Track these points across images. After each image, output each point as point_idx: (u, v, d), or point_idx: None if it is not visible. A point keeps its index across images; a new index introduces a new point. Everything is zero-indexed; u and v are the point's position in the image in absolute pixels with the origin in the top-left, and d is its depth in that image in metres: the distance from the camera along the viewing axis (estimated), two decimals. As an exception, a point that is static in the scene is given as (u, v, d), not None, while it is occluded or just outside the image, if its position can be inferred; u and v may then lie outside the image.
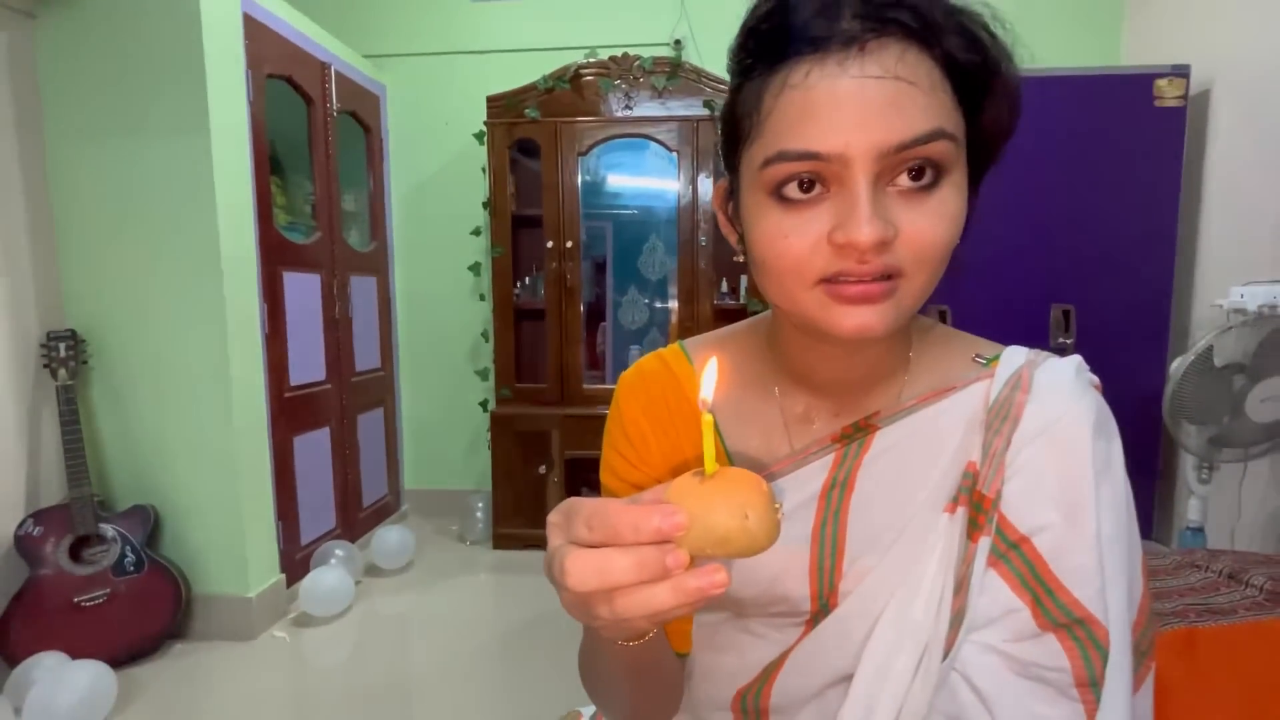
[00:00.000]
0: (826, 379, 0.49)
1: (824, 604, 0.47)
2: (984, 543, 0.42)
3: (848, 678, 0.45)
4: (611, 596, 0.30)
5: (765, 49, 0.40)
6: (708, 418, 0.32)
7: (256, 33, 1.91)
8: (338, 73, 2.35)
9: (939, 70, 0.38)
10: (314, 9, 2.39)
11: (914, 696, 0.41)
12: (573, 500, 0.33)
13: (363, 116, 2.55)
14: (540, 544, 2.47)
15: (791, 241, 0.39)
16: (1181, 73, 1.98)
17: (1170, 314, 2.04)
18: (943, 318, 2.05)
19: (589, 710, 0.62)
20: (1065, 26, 2.47)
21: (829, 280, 0.39)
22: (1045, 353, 0.48)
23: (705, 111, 2.36)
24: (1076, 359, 0.47)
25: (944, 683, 0.42)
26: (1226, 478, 1.86)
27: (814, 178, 0.39)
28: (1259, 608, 0.99)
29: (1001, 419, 0.44)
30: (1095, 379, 0.47)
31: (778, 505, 0.31)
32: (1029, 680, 0.40)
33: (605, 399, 2.47)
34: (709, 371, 0.34)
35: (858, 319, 0.39)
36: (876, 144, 0.36)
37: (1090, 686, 0.39)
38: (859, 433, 0.47)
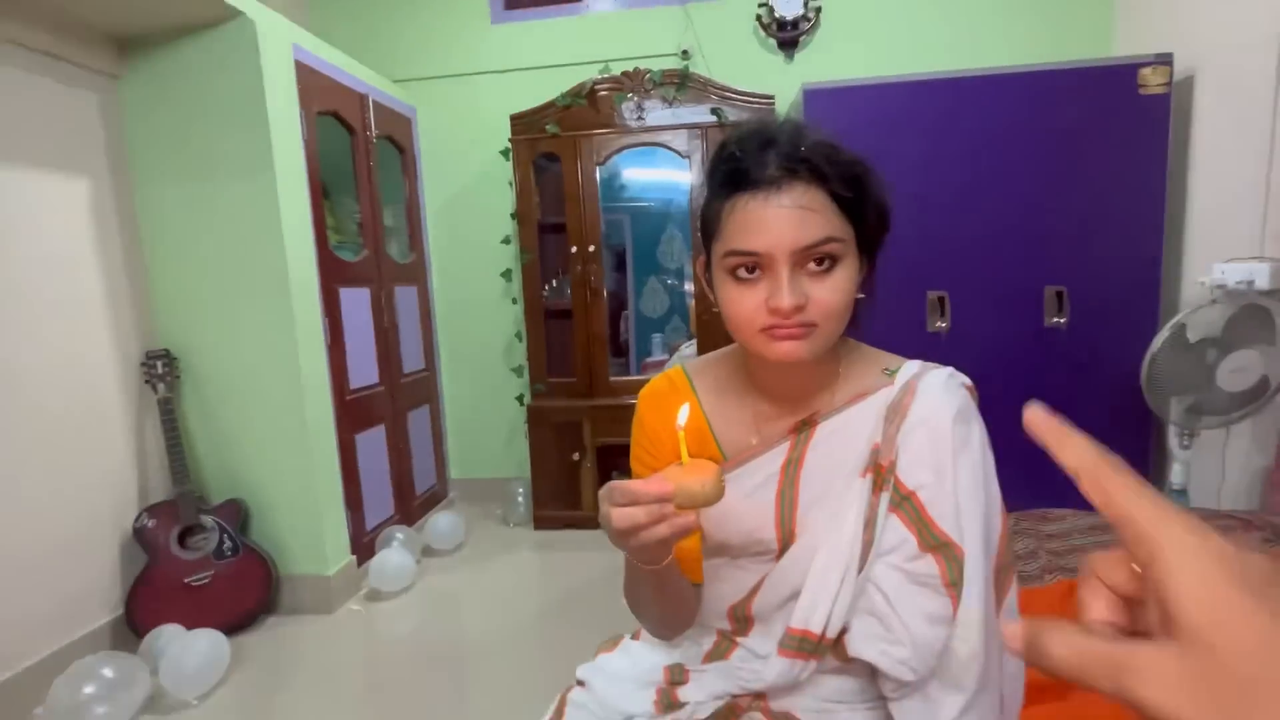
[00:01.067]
0: (781, 389, 0.70)
1: (786, 543, 0.67)
2: (884, 496, 0.63)
3: (800, 592, 0.66)
4: (636, 532, 0.52)
5: (723, 181, 0.62)
6: (681, 434, 0.55)
7: (306, 75, 2.14)
8: (374, 101, 2.57)
9: (830, 198, 0.59)
10: (344, 39, 2.61)
11: (842, 599, 0.62)
12: (613, 482, 0.55)
13: (397, 139, 2.77)
14: (577, 524, 2.71)
15: (743, 305, 0.61)
16: (1165, 61, 2.08)
17: (1159, 292, 2.16)
18: (941, 304, 2.20)
19: (629, 633, 0.85)
20: (1057, 20, 2.57)
21: (767, 329, 0.60)
22: (930, 365, 0.67)
23: (713, 118, 2.53)
24: (948, 370, 0.66)
25: (862, 590, 0.62)
26: (1210, 442, 1.99)
27: (755, 264, 0.60)
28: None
29: (895, 413, 0.64)
30: (967, 381, 0.66)
31: (722, 478, 0.53)
32: (917, 585, 0.60)
33: (630, 390, 2.68)
34: (683, 410, 0.57)
35: (786, 350, 0.60)
36: (790, 245, 0.58)
37: (953, 585, 0.59)
38: (805, 427, 0.68)
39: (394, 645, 2.01)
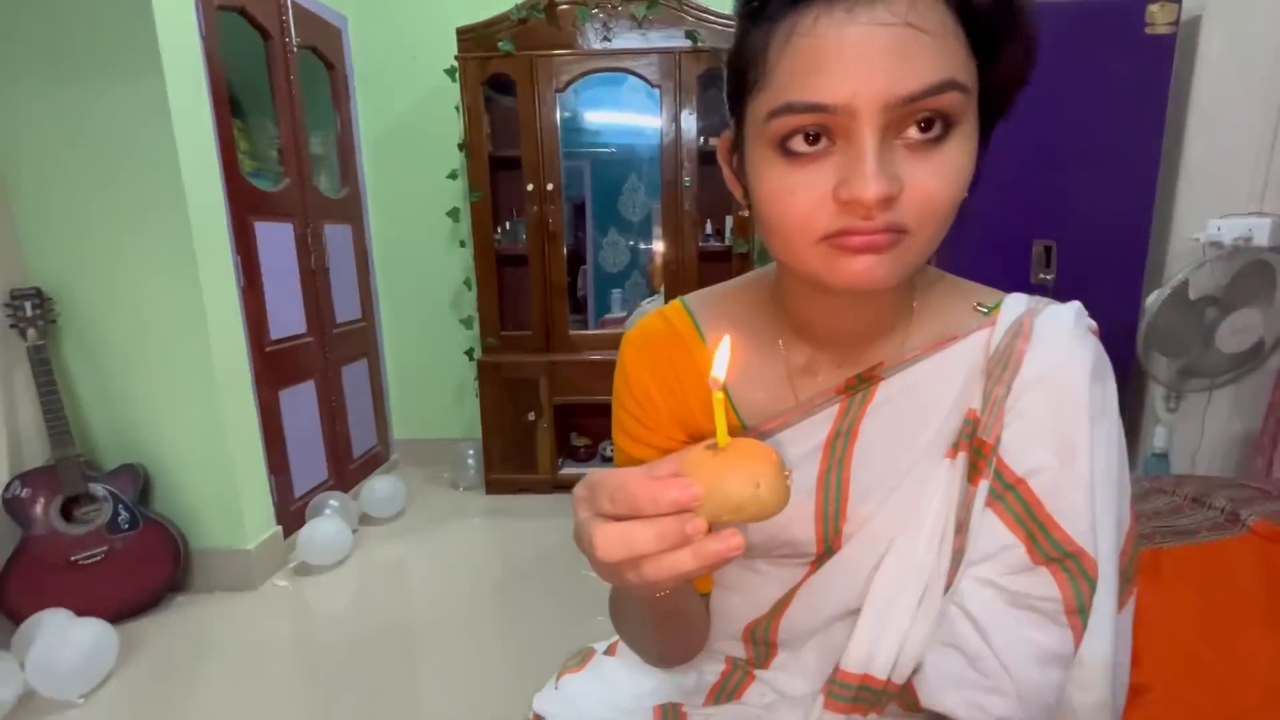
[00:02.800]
0: (830, 331, 0.49)
1: (828, 546, 0.49)
2: (983, 485, 0.44)
3: (851, 613, 0.47)
4: (638, 563, 0.32)
5: None
6: (719, 395, 0.33)
7: (203, -41, 1.76)
8: (294, 3, 2.19)
9: (953, 16, 0.37)
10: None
11: (916, 628, 0.44)
12: (596, 475, 0.34)
13: (324, 52, 2.40)
14: (532, 488, 2.52)
15: (797, 198, 0.39)
16: (1174, -3, 1.93)
17: (1147, 248, 2.07)
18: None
19: (602, 645, 0.65)
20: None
21: (833, 237, 0.39)
22: (1045, 300, 0.48)
23: (687, 43, 2.26)
24: (1076, 305, 0.47)
25: (944, 615, 0.44)
26: (1190, 406, 1.94)
27: (820, 130, 0.38)
28: (1219, 528, 1.05)
29: (1003, 367, 0.45)
30: (1093, 324, 0.48)
31: (787, 473, 0.32)
32: (1021, 610, 0.42)
33: (590, 345, 2.47)
34: (721, 351, 0.34)
35: (862, 268, 0.39)
36: (884, 95, 0.35)
37: (1079, 614, 0.41)
38: (863, 384, 0.48)
39: (326, 624, 1.80)
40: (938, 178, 0.38)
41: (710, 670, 0.57)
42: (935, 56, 0.36)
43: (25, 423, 1.73)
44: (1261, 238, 1.72)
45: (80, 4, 1.59)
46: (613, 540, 0.32)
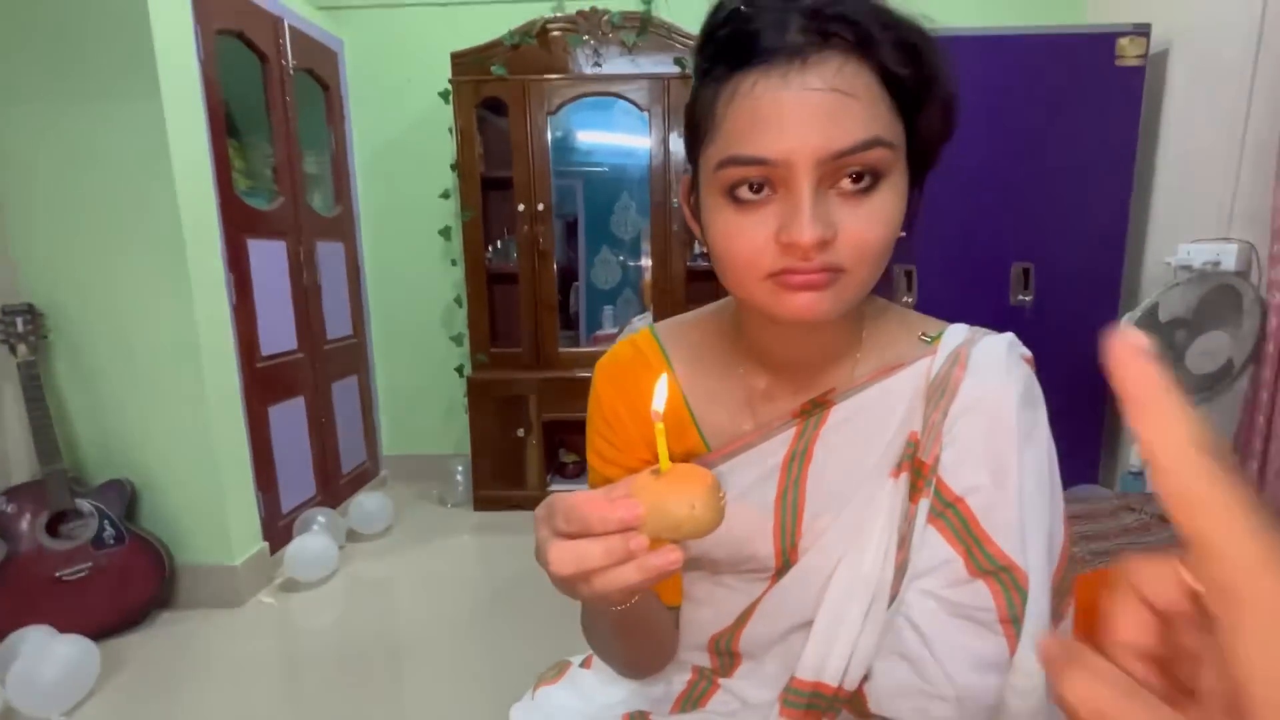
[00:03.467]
0: (785, 359, 0.53)
1: (786, 560, 0.52)
2: (923, 504, 0.47)
3: (808, 624, 0.50)
4: (589, 577, 0.35)
5: (720, 55, 0.43)
6: (659, 426, 0.36)
7: (203, -15, 1.81)
8: (291, 27, 2.24)
9: (877, 81, 0.41)
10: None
11: (865, 638, 0.47)
12: (554, 497, 0.37)
13: (320, 74, 2.45)
14: (521, 505, 2.53)
15: (743, 240, 0.43)
16: (1143, 31, 2.01)
17: (1122, 271, 2.13)
18: (908, 278, 2.11)
19: (578, 658, 0.68)
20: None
21: (776, 275, 0.43)
22: (983, 330, 0.52)
23: (676, 69, 2.33)
24: (1009, 337, 0.51)
25: (890, 625, 0.47)
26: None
27: (763, 181, 0.42)
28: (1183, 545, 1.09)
29: (940, 393, 0.48)
30: (1027, 353, 0.51)
31: (722, 494, 0.35)
32: (961, 619, 0.45)
33: (580, 363, 2.50)
34: (660, 387, 0.38)
35: (803, 303, 0.43)
36: (816, 151, 0.40)
37: (1012, 623, 0.44)
38: (816, 408, 0.51)
39: (311, 640, 1.80)
40: (869, 223, 0.42)
41: (678, 680, 0.59)
42: (861, 118, 0.40)
43: (13, 438, 1.74)
44: (1229, 262, 1.78)
45: (81, 27, 1.63)
46: (565, 556, 0.35)
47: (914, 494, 0.48)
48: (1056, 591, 0.47)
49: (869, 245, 0.42)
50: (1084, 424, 2.11)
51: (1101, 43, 2.03)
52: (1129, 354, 0.19)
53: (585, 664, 0.67)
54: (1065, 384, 2.13)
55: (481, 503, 2.56)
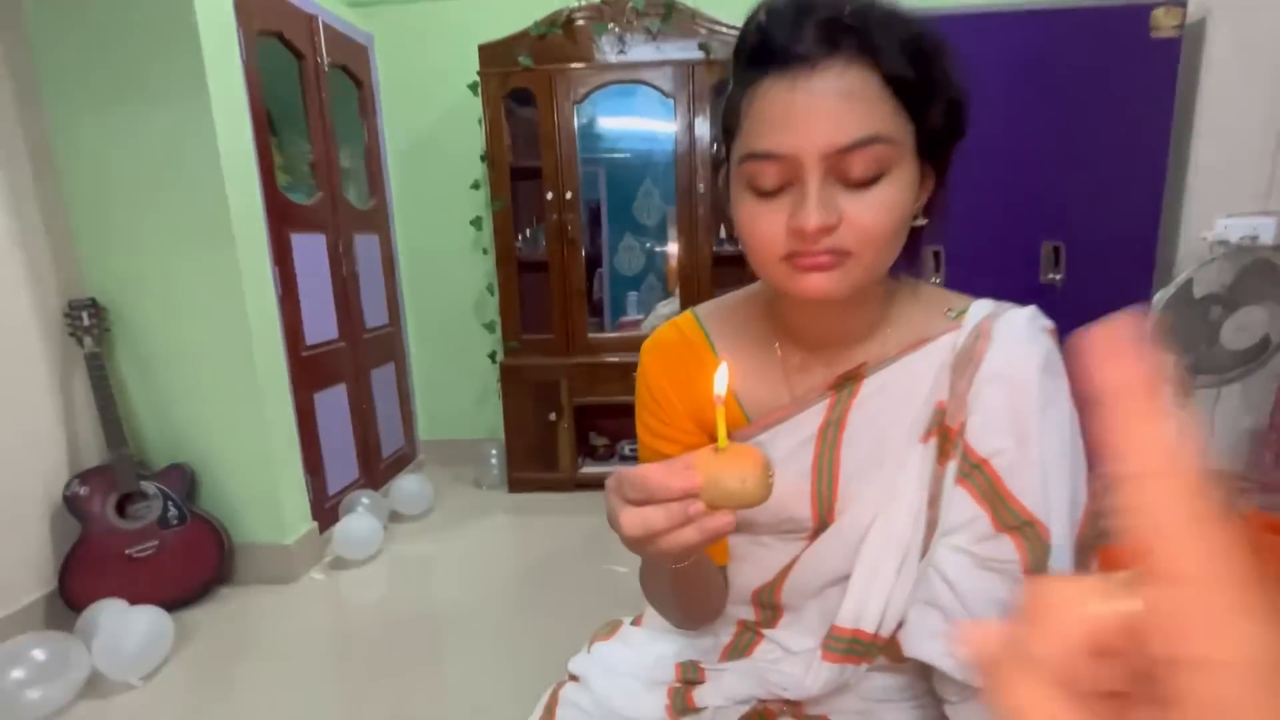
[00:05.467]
0: (817, 336, 0.58)
1: (823, 520, 0.56)
2: (951, 465, 0.51)
3: (843, 578, 0.55)
4: (654, 539, 0.40)
5: (748, 61, 0.48)
6: (720, 409, 0.41)
7: (243, -11, 1.88)
8: (325, 24, 2.31)
9: (882, 84, 0.45)
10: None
11: (898, 589, 0.51)
12: (623, 470, 0.42)
13: (353, 70, 2.51)
14: (553, 487, 2.61)
15: (761, 226, 0.48)
16: (1179, 2, 1.97)
17: (1156, 247, 2.10)
18: (935, 258, 2.11)
19: (629, 617, 0.73)
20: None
21: (789, 257, 0.48)
22: (1006, 304, 0.55)
23: (700, 54, 2.34)
24: (1031, 309, 0.54)
25: (922, 577, 0.52)
26: (1200, 402, 1.96)
27: (780, 173, 0.47)
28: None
29: (966, 364, 0.52)
30: (1049, 324, 0.54)
31: (771, 472, 0.40)
32: (987, 571, 0.49)
33: (608, 348, 2.55)
34: (720, 375, 0.43)
35: (813, 284, 0.48)
36: (821, 147, 0.45)
37: (1036, 573, 0.48)
38: (849, 381, 0.56)
39: (360, 615, 1.90)
40: (871, 210, 0.47)
41: (725, 633, 0.64)
42: (863, 117, 0.45)
43: (83, 425, 1.85)
44: (1267, 236, 1.75)
45: (133, 31, 1.71)
46: (634, 521, 0.40)
47: (942, 457, 0.52)
48: (1079, 548, 0.51)
49: (872, 230, 0.47)
50: (1116, 402, 2.10)
51: (1136, 15, 1.99)
52: (1116, 347, 0.17)
53: (635, 622, 0.73)
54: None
55: (516, 485, 2.64)
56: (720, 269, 2.52)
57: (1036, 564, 0.48)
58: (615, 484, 0.43)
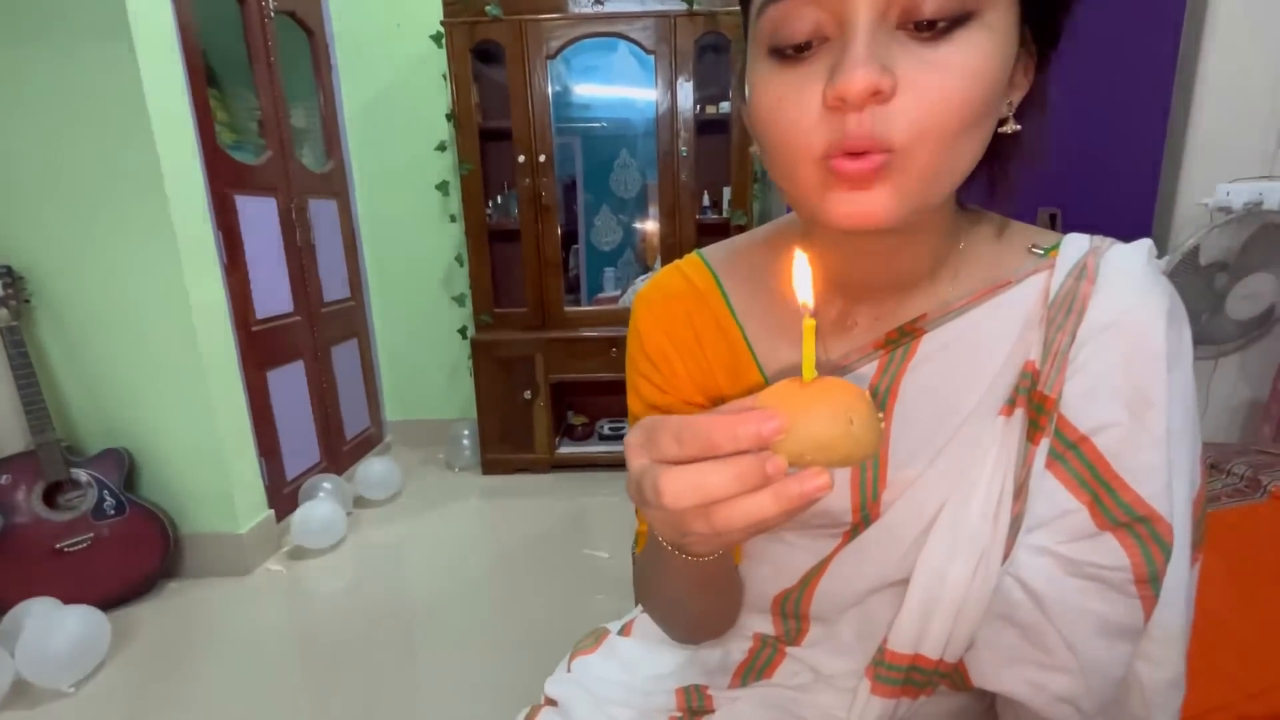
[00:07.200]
0: (863, 280, 0.44)
1: (865, 515, 0.45)
2: (1044, 444, 0.40)
3: (892, 584, 0.44)
4: (710, 511, 0.27)
5: None
6: (809, 321, 0.29)
7: (171, -85, 1.66)
8: (270, -34, 2.09)
9: None
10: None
11: (971, 601, 0.40)
12: (653, 419, 0.29)
13: (303, 17, 2.30)
14: (529, 468, 2.48)
15: (787, 107, 0.34)
16: (1185, -47, 1.87)
17: (1153, 214, 2.03)
18: (1052, 222, 2.00)
19: (616, 625, 0.62)
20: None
21: (827, 156, 0.34)
22: (1109, 239, 0.44)
23: (683, 5, 2.18)
24: (1147, 243, 0.43)
25: (998, 587, 0.40)
26: (1197, 373, 1.91)
27: (816, 18, 0.32)
28: (1240, 494, 1.03)
29: (1065, 312, 0.40)
30: (1161, 262, 0.43)
31: (880, 415, 0.28)
32: (1082, 579, 0.38)
33: (587, 322, 2.42)
34: (800, 271, 0.30)
35: (852, 207, 0.34)
36: None
37: (1150, 583, 0.37)
38: (904, 338, 0.44)
39: (321, 608, 1.76)
40: (940, 76, 0.31)
41: (737, 649, 0.53)
42: None
43: (1, 408, 1.67)
44: (1273, 201, 1.69)
45: (40, -38, 1.50)
46: (683, 485, 0.27)
47: (1033, 433, 0.40)
48: (1192, 540, 0.41)
49: (938, 110, 0.31)
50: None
51: (1140, -33, 1.89)
52: None
53: (624, 631, 0.61)
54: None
55: (489, 466, 2.51)
56: (704, 238, 2.39)
57: (1152, 570, 0.37)
58: (643, 437, 0.30)
